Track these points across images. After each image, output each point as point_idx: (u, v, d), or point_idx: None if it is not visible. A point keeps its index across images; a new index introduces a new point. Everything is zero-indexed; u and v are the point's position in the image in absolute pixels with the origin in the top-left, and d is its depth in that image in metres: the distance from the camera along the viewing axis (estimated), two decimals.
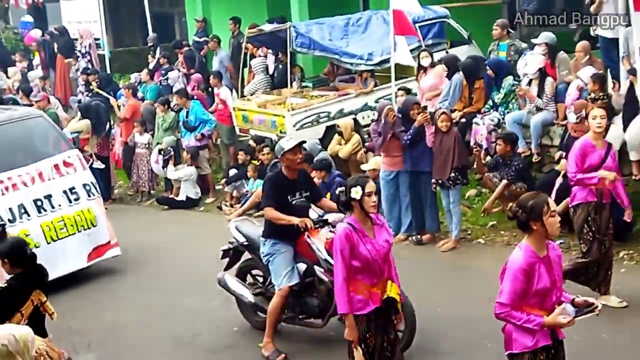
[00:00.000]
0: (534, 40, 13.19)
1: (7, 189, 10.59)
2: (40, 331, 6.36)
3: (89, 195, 11.33)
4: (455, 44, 15.57)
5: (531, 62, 12.51)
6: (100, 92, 17.43)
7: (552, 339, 5.20)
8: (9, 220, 10.29)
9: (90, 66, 19.52)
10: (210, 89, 16.42)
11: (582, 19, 13.64)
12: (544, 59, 12.39)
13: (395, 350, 6.30)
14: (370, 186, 6.02)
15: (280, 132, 14.25)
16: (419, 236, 11.54)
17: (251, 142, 14.59)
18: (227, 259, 9.17)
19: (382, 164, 11.80)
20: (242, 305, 9.03)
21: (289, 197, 8.13)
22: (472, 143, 12.55)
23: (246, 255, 9.12)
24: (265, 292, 8.71)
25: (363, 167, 12.79)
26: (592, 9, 12.82)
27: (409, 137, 11.14)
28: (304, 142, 9.30)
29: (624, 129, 10.99)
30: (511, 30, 14.73)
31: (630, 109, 10.94)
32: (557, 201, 10.91)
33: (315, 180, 12.75)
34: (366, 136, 13.37)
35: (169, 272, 11.48)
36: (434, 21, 15.45)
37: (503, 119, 12.50)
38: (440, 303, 9.34)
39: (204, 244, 11.88)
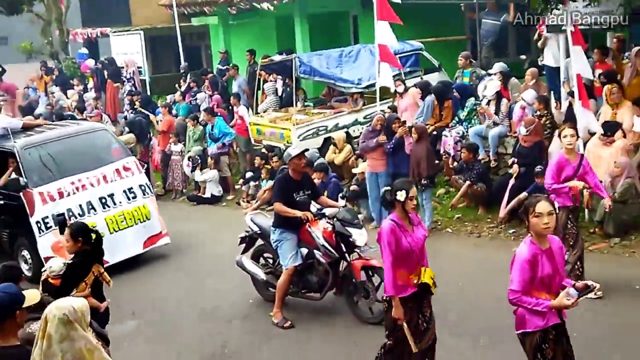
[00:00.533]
0: (490, 71, 13.24)
1: (77, 189, 10.61)
2: (99, 296, 6.66)
3: (144, 194, 11.35)
4: (428, 71, 15.53)
5: (489, 86, 12.59)
6: (142, 110, 17.39)
7: (559, 318, 5.21)
8: (79, 214, 10.39)
9: (134, 89, 19.51)
10: (230, 107, 16.40)
11: (530, 51, 13.66)
12: (499, 84, 12.40)
13: (430, 325, 6.28)
14: (413, 191, 6.04)
15: (287, 142, 14.23)
16: None
17: (264, 150, 14.58)
18: (243, 245, 9.26)
19: (367, 167, 11.83)
20: (256, 282, 9.10)
21: (294, 195, 8.25)
22: (442, 151, 12.60)
23: (259, 242, 9.14)
24: (274, 271, 8.80)
25: (354, 171, 12.84)
26: (539, 44, 12.97)
27: (392, 146, 11.19)
28: (307, 150, 9.33)
29: None
30: (473, 61, 14.73)
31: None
32: (510, 198, 10.97)
33: (316, 181, 12.78)
34: (356, 145, 13.36)
35: (198, 256, 11.49)
36: (411, 53, 15.46)
37: (467, 132, 12.50)
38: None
39: (225, 233, 11.80)
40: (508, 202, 10.95)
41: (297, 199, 8.29)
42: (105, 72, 20.56)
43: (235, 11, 19.20)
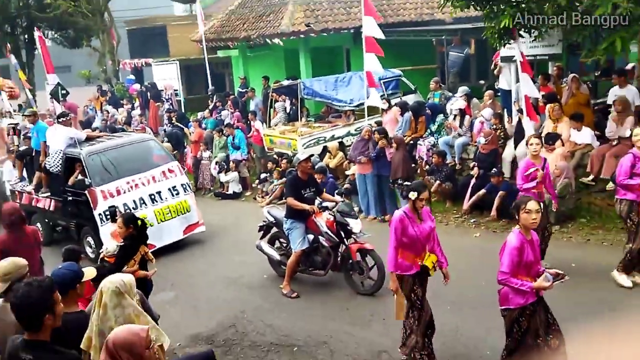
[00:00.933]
0: (456, 93, 13.29)
1: (131, 187, 10.65)
2: (144, 270, 6.77)
3: (185, 192, 11.32)
4: (406, 93, 15.56)
5: (455, 105, 12.62)
6: (178, 124, 17.51)
7: (537, 297, 5.26)
8: (133, 207, 10.39)
9: (171, 107, 19.52)
10: (248, 122, 16.43)
11: (488, 78, 13.69)
12: (463, 103, 12.45)
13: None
14: (425, 194, 6.07)
15: (294, 149, 14.26)
16: (382, 217, 11.50)
17: (275, 156, 14.62)
18: (261, 232, 9.27)
19: (356, 169, 11.88)
20: (272, 262, 9.13)
21: (302, 192, 8.37)
22: (417, 157, 12.60)
23: (274, 230, 9.16)
24: (286, 253, 8.86)
25: (347, 172, 12.88)
26: (495, 71, 13.01)
27: (374, 154, 11.28)
28: (312, 155, 9.55)
29: (515, 148, 11.08)
30: (442, 85, 14.76)
31: (518, 135, 11.08)
32: (472, 194, 11.00)
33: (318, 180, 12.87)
34: (349, 151, 13.39)
35: (225, 240, 11.51)
36: (392, 78, 15.45)
37: (437, 141, 12.52)
38: None
39: (245, 222, 11.93)
40: (470, 198, 11.03)
41: (305, 195, 8.38)
42: (149, 94, 20.60)
43: (252, 45, 19.26)
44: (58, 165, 11.04)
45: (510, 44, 10.57)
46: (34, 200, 11.86)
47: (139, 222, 6.95)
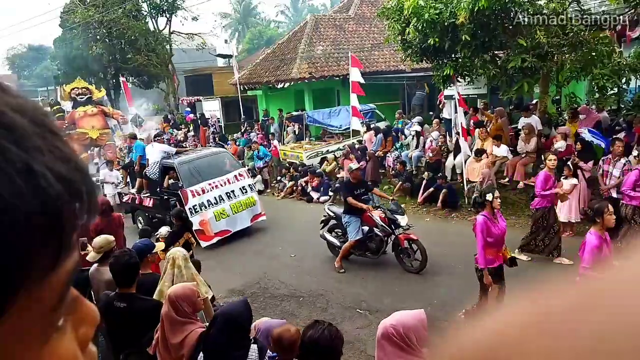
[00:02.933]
0: (413, 120, 13.31)
1: (212, 188, 10.05)
2: (187, 250, 6.66)
3: (251, 190, 10.69)
4: (379, 121, 15.57)
5: (413, 128, 12.61)
6: (220, 142, 17.47)
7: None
8: (215, 203, 9.93)
9: (215, 131, 19.58)
10: (269, 141, 16.42)
11: (435, 110, 13.69)
12: (419, 128, 12.46)
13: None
14: (497, 193, 5.36)
15: (300, 160, 14.29)
16: None
17: (287, 164, 14.59)
18: (322, 224, 8.49)
19: (346, 172, 11.74)
20: (331, 246, 8.37)
21: (355, 192, 7.71)
22: (386, 165, 12.62)
23: (332, 222, 8.38)
24: (344, 240, 7.98)
25: (338, 176, 12.86)
26: (440, 106, 12.99)
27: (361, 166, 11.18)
28: (360, 167, 8.67)
29: (454, 159, 11.10)
30: (404, 115, 14.80)
31: (456, 150, 11.05)
32: (424, 191, 11.00)
33: (315, 182, 12.81)
34: (340, 161, 13.41)
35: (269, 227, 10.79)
36: (369, 111, 15.42)
37: (400, 155, 12.52)
38: None
39: (267, 210, 11.01)
40: (422, 194, 11.03)
41: (357, 194, 7.72)
42: (199, 121, 20.60)
43: (271, 87, 19.28)
44: (156, 173, 10.62)
45: (450, 86, 10.60)
46: (137, 200, 11.35)
47: (183, 214, 7.09)
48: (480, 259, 5.31)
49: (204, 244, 9.44)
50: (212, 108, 21.72)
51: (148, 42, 25.36)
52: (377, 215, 7.61)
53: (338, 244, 8.15)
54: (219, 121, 20.89)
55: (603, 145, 8.91)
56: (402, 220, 7.56)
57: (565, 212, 8.20)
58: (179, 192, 9.91)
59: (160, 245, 5.11)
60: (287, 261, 8.58)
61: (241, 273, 8.22)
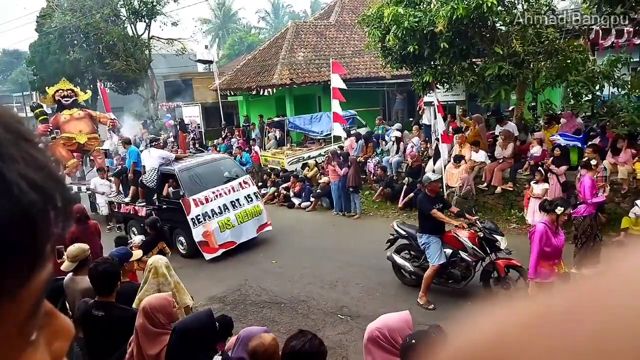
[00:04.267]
0: (394, 127, 13.41)
1: (216, 196, 9.41)
2: None
3: (257, 199, 10.11)
4: (360, 127, 15.62)
5: (393, 134, 12.71)
6: (200, 148, 17.37)
7: None
8: (219, 212, 9.33)
9: (195, 136, 19.41)
10: (250, 147, 16.34)
11: (415, 116, 13.81)
12: (399, 134, 12.56)
13: None
14: (568, 210, 5.14)
15: (282, 166, 14.27)
16: (346, 213, 11.40)
17: (269, 170, 14.55)
18: (389, 244, 7.26)
19: (330, 177, 11.66)
20: (397, 270, 7.16)
21: (433, 206, 6.41)
22: (367, 171, 12.66)
23: (400, 241, 7.17)
24: (420, 265, 6.86)
25: (320, 181, 12.83)
26: (420, 112, 13.12)
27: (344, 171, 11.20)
28: (441, 178, 7.39)
29: (433, 164, 11.20)
30: (384, 121, 14.91)
31: (436, 156, 11.14)
32: (404, 196, 11.07)
33: (297, 187, 12.79)
34: (321, 167, 13.41)
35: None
36: (350, 116, 15.46)
37: (381, 160, 12.59)
38: (355, 240, 9.36)
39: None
40: (403, 198, 11.10)
41: (435, 208, 6.45)
42: (179, 127, 20.41)
43: (252, 94, 19.22)
44: (153, 181, 9.83)
45: (430, 93, 10.74)
46: (130, 209, 10.66)
47: (157, 224, 7.03)
48: (532, 268, 4.90)
49: (208, 256, 8.95)
50: (192, 114, 21.53)
51: (127, 47, 25.06)
52: (463, 234, 6.45)
53: (411, 268, 6.93)
54: (198, 127, 20.73)
55: (580, 144, 9.08)
56: (502, 242, 6.26)
57: (538, 215, 8.32)
58: (180, 201, 9.22)
59: (138, 253, 5.03)
60: (269, 267, 8.52)
61: (222, 280, 8.12)
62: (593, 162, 7.20)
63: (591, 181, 6.91)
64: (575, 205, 7.04)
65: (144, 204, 10.35)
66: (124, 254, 4.61)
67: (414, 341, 2.39)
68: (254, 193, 10.20)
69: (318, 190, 12.53)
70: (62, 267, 4.50)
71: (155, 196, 9.98)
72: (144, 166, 10.15)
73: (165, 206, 9.74)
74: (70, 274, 4.53)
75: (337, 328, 6.11)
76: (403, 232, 7.05)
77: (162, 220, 9.43)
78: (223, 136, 18.56)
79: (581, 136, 9.20)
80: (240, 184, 9.98)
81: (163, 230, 6.92)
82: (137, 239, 7.01)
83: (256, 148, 15.79)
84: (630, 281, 0.29)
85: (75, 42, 25.30)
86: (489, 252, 6.31)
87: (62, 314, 0.47)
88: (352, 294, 7.06)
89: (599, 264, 6.37)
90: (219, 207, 9.42)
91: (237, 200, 9.74)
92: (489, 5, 8.10)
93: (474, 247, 6.32)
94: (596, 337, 0.27)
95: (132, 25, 26.29)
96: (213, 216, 9.23)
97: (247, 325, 4.93)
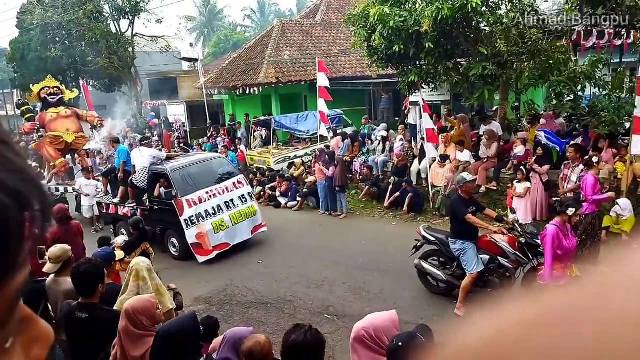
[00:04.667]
0: (379, 127, 13.45)
1: (210, 197, 9.17)
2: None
3: (251, 199, 9.88)
4: (346, 126, 15.67)
5: (379, 134, 12.74)
6: (185, 147, 17.22)
7: None
8: (213, 213, 9.10)
9: (180, 135, 19.24)
10: (236, 146, 16.28)
11: (400, 116, 13.87)
12: (385, 133, 12.59)
13: None
14: (580, 212, 4.99)
15: (268, 165, 14.23)
16: (332, 212, 11.41)
17: (254, 169, 14.49)
18: (415, 250, 6.82)
19: (316, 177, 11.69)
20: (423, 277, 6.74)
21: (468, 210, 6.01)
22: (353, 170, 12.69)
23: (427, 247, 6.74)
24: (453, 273, 6.38)
25: (306, 180, 12.82)
26: (406, 112, 13.17)
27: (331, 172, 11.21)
28: (475, 178, 6.66)
29: (419, 164, 11.28)
30: (370, 120, 14.95)
31: (421, 155, 11.23)
32: (390, 195, 11.12)
33: (284, 186, 12.77)
34: (308, 166, 13.40)
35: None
36: (336, 116, 15.52)
37: (367, 159, 12.60)
38: (341, 240, 9.36)
39: None
40: (389, 198, 11.14)
41: (469, 212, 6.03)
42: (163, 125, 20.23)
43: (238, 92, 19.11)
44: (144, 181, 9.51)
45: (415, 93, 10.79)
46: (119, 210, 10.35)
47: (141, 225, 6.94)
48: (547, 272, 4.75)
49: (201, 259, 8.77)
50: (176, 112, 21.33)
51: (110, 44, 24.72)
52: (502, 239, 6.03)
53: (443, 277, 6.42)
54: (183, 126, 20.55)
55: (558, 148, 9.24)
56: None
57: (522, 214, 8.44)
58: (172, 201, 8.98)
59: (120, 254, 4.98)
60: (255, 268, 8.49)
61: (208, 281, 8.07)
62: (595, 159, 7.21)
63: (594, 179, 6.87)
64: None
65: (134, 204, 10.06)
66: (109, 254, 4.55)
67: (400, 344, 2.40)
68: (249, 193, 9.99)
69: (304, 190, 12.52)
70: (45, 269, 4.42)
71: (145, 197, 9.74)
72: (134, 166, 9.86)
73: (156, 207, 9.48)
74: (53, 275, 4.45)
75: (324, 328, 6.10)
76: (432, 238, 6.59)
77: (153, 221, 9.32)
78: (208, 135, 18.45)
79: (565, 140, 9.32)
80: (234, 183, 9.75)
81: (146, 230, 6.82)
82: (119, 239, 6.92)
83: (242, 147, 15.72)
84: (631, 282, 0.29)
85: (57, 39, 24.90)
86: (531, 257, 5.94)
87: (41, 319, 0.46)
88: (338, 294, 7.07)
89: (597, 263, 6.31)
90: (213, 207, 9.20)
91: (232, 200, 9.52)
92: (474, 5, 8.17)
93: (516, 252, 5.94)
94: (597, 337, 0.27)
95: (115, 22, 25.97)
96: (207, 217, 9.00)
97: (233, 326, 4.91)
